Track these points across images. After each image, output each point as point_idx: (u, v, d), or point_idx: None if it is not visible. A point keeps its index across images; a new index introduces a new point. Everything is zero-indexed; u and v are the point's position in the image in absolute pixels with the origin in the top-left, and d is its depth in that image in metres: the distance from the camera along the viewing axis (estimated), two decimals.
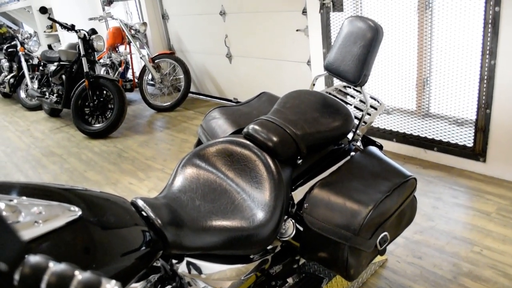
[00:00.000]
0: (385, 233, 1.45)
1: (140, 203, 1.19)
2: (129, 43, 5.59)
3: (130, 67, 5.82)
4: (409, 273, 2.15)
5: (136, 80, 5.70)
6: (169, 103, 5.45)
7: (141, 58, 5.34)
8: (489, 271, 2.10)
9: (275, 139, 1.40)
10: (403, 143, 3.37)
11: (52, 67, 5.30)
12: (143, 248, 1.08)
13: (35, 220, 0.86)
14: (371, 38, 1.61)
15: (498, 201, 2.65)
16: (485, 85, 2.76)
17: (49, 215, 0.90)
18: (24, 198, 0.92)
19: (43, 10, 4.70)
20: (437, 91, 3.14)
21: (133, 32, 5.55)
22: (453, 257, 2.22)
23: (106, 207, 1.09)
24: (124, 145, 4.41)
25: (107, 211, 1.08)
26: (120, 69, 5.67)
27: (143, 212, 1.17)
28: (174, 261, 1.23)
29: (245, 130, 1.48)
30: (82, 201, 1.03)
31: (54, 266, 0.62)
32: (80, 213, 0.96)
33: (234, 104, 2.00)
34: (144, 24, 5.61)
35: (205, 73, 5.71)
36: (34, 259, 0.62)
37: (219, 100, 5.61)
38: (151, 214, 1.16)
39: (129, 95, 6.19)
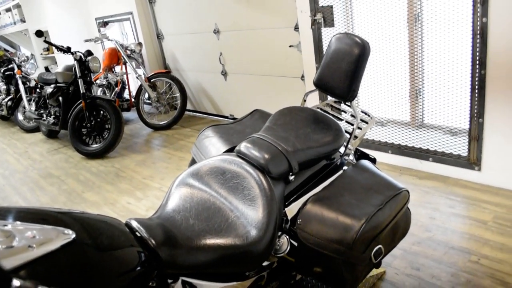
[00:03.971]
0: (379, 246, 1.46)
1: (134, 224, 1.20)
2: (125, 63, 5.65)
3: (127, 87, 5.86)
4: (408, 285, 2.15)
5: (132, 100, 5.74)
6: (166, 121, 5.48)
7: (137, 77, 5.39)
8: (487, 280, 2.10)
9: (266, 156, 1.42)
10: (399, 155, 3.39)
11: (49, 89, 5.34)
12: (138, 268, 1.09)
13: (28, 244, 0.87)
14: (358, 54, 1.64)
15: (495, 209, 2.66)
16: (476, 95, 2.79)
17: (43, 239, 0.91)
18: (18, 222, 0.93)
19: (39, 33, 4.74)
20: (430, 102, 3.17)
21: (128, 52, 5.60)
22: (451, 267, 2.22)
23: (100, 229, 1.10)
24: (121, 164, 4.43)
25: (101, 233, 1.09)
26: (117, 89, 5.71)
27: (137, 233, 1.18)
28: (169, 281, 1.24)
29: (237, 148, 1.50)
30: (76, 224, 1.04)
31: None
32: (74, 236, 0.97)
33: (227, 122, 2.02)
34: (140, 44, 5.67)
35: (201, 91, 5.75)
36: (22, 284, 0.64)
37: (215, 117, 5.64)
38: (145, 235, 1.17)
39: (126, 115, 6.23)
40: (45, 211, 1.05)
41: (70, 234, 0.97)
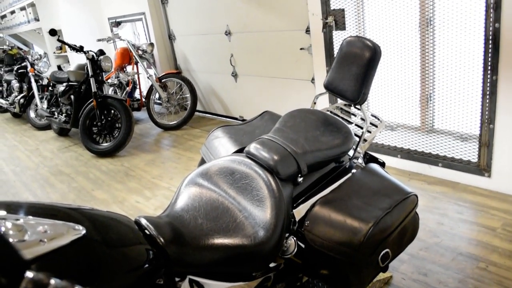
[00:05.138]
0: (387, 250, 1.46)
1: (143, 221, 1.22)
2: (136, 63, 5.69)
3: (138, 86, 5.90)
4: None
5: (143, 100, 5.78)
6: (175, 121, 5.51)
7: (148, 77, 5.42)
8: (495, 287, 2.09)
9: (276, 157, 1.43)
10: (408, 159, 3.38)
11: (61, 88, 5.39)
12: (146, 265, 1.10)
13: (40, 238, 0.88)
14: (369, 58, 1.64)
15: (504, 216, 2.64)
16: (487, 101, 2.78)
17: (54, 234, 0.92)
18: (30, 217, 0.94)
19: (53, 32, 4.80)
20: (440, 107, 3.16)
21: (140, 52, 5.64)
22: (459, 274, 2.21)
23: (110, 226, 1.12)
24: (131, 163, 4.46)
25: (111, 229, 1.11)
26: (128, 88, 5.75)
27: (146, 231, 1.19)
28: (176, 279, 1.25)
29: (246, 149, 1.51)
30: (87, 220, 1.06)
31: (55, 283, 0.65)
32: (84, 231, 0.98)
33: (237, 123, 2.03)
34: (151, 44, 5.71)
35: (211, 92, 5.77)
36: (35, 276, 0.65)
37: (225, 118, 5.66)
38: (154, 233, 1.18)
39: (136, 114, 6.27)
40: (56, 207, 1.06)
41: (80, 230, 0.98)
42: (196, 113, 5.79)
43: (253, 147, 1.49)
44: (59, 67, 8.08)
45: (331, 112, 2.07)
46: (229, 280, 1.35)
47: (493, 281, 2.13)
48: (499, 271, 2.20)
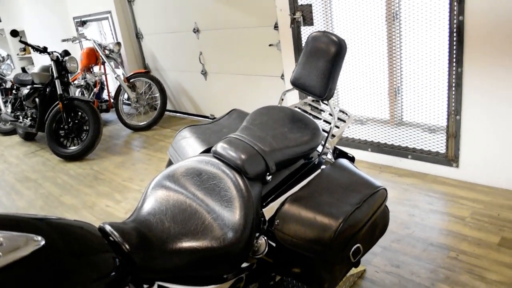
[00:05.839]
0: (358, 245, 1.46)
1: (108, 228, 1.18)
2: (103, 63, 5.56)
3: (105, 87, 5.78)
4: (388, 282, 2.16)
5: (111, 100, 5.66)
6: (145, 122, 5.42)
7: (116, 78, 5.32)
8: (466, 275, 2.12)
9: (243, 156, 1.40)
10: (378, 153, 3.41)
11: (25, 91, 5.24)
12: (112, 274, 1.07)
13: None
14: (335, 53, 1.63)
15: (472, 205, 2.69)
16: (453, 92, 2.82)
17: (11, 246, 0.88)
18: None
19: (14, 33, 4.64)
20: (409, 100, 3.19)
21: (107, 52, 5.53)
22: (430, 264, 2.24)
23: (72, 235, 1.08)
24: (100, 166, 4.36)
25: (73, 238, 1.07)
26: (95, 89, 5.63)
27: (110, 238, 1.16)
28: (145, 286, 1.22)
29: (213, 148, 1.48)
30: (47, 230, 1.01)
31: None
32: (43, 242, 0.94)
33: (205, 123, 2.00)
34: (118, 44, 5.59)
35: (181, 91, 5.71)
36: None
37: (196, 117, 5.60)
38: (119, 239, 1.15)
39: (105, 116, 6.15)
40: (15, 217, 1.01)
41: (39, 241, 0.94)
42: (166, 112, 5.72)
43: (220, 147, 1.46)
44: (23, 69, 7.85)
45: (299, 108, 2.06)
46: (200, 284, 1.32)
47: (463, 269, 2.16)
48: (469, 259, 2.23)
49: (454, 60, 2.75)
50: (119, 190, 3.71)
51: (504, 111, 2.65)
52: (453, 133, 2.91)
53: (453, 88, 2.81)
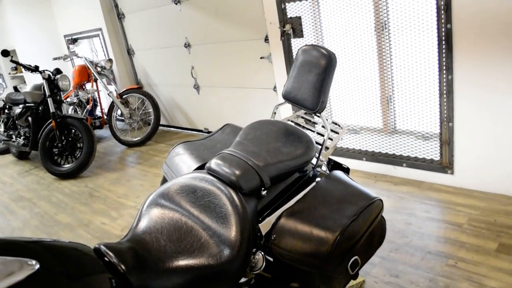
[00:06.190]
0: (356, 257, 1.45)
1: (103, 249, 1.16)
2: (95, 80, 5.57)
3: (98, 104, 5.78)
4: None
5: (105, 117, 5.66)
6: (139, 137, 5.41)
7: (108, 94, 5.31)
8: (465, 283, 2.12)
9: (237, 172, 1.40)
10: (373, 162, 3.42)
11: (17, 110, 5.22)
12: None
13: None
14: (325, 66, 1.64)
15: (469, 212, 2.70)
16: (445, 100, 2.84)
17: (5, 271, 0.87)
18: None
19: (5, 53, 4.64)
20: (401, 108, 3.21)
21: (99, 69, 5.53)
22: (429, 272, 2.23)
23: (66, 257, 1.06)
24: (95, 184, 4.34)
25: (68, 260, 1.05)
26: (88, 106, 5.62)
27: (106, 258, 1.14)
28: None
29: (207, 165, 1.48)
30: (41, 253, 1.00)
31: None
32: (37, 266, 0.93)
33: (198, 139, 1.99)
34: (110, 60, 5.60)
35: (174, 105, 5.71)
36: None
37: (190, 131, 5.60)
38: (114, 260, 1.13)
39: (98, 132, 6.13)
40: (8, 241, 1.00)
41: (34, 265, 0.93)
42: (160, 127, 5.72)
43: (214, 163, 1.45)
44: (15, 88, 7.83)
45: (292, 121, 2.06)
46: None
47: (462, 277, 2.16)
48: (468, 266, 2.23)
49: (444, 67, 2.77)
50: (114, 207, 3.69)
51: (496, 117, 2.67)
52: (446, 140, 2.92)
53: (445, 95, 2.83)
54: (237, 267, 1.28)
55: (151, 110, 5.35)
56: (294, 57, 3.65)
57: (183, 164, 1.75)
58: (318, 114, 1.76)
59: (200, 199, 1.38)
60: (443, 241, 2.47)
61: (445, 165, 3.00)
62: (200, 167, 1.69)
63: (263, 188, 1.45)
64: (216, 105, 5.05)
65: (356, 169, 3.51)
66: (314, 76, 1.66)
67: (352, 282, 2.13)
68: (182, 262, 1.23)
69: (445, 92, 2.82)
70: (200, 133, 5.41)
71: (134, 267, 1.15)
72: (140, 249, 1.24)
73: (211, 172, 1.45)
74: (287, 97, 1.83)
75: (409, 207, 2.87)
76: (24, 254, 0.95)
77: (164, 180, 1.89)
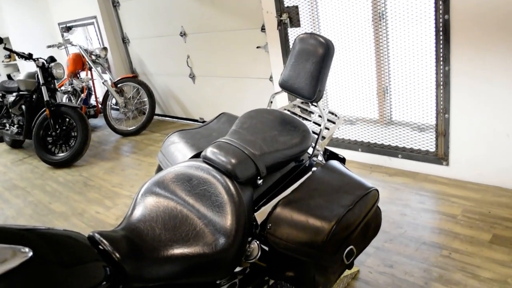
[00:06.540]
0: (351, 247, 1.44)
1: (97, 237, 1.15)
2: (90, 69, 5.51)
3: (93, 93, 5.73)
4: (381, 283, 2.15)
5: (99, 106, 5.62)
6: (134, 127, 5.38)
7: (103, 83, 5.27)
8: (458, 274, 2.13)
9: (233, 161, 1.38)
10: (368, 152, 3.42)
11: (11, 98, 5.17)
12: (103, 283, 1.04)
13: None
14: (322, 54, 1.62)
15: (463, 203, 2.70)
16: (441, 91, 2.83)
17: None
18: None
19: None
20: (397, 99, 3.20)
21: (93, 57, 5.48)
22: (423, 263, 2.24)
23: (60, 245, 1.05)
24: (89, 173, 4.32)
25: (62, 248, 1.04)
26: (83, 95, 5.57)
27: (100, 246, 1.13)
28: None
29: (203, 153, 1.46)
30: (35, 241, 0.99)
31: None
32: (31, 253, 0.92)
33: (193, 127, 1.98)
34: (105, 49, 5.55)
35: (170, 95, 5.68)
36: None
37: (185, 121, 5.57)
38: (109, 248, 1.12)
39: (93, 121, 6.09)
40: (1, 229, 0.99)
41: (27, 252, 0.92)
42: (155, 117, 5.69)
43: (209, 152, 1.44)
44: (8, 76, 7.75)
45: (288, 110, 2.05)
46: None
47: (456, 268, 2.17)
48: (462, 257, 2.24)
49: (441, 59, 2.76)
50: (109, 196, 3.67)
51: (492, 109, 2.67)
52: (442, 132, 2.92)
53: (441, 87, 2.82)
54: (232, 256, 1.27)
55: (146, 99, 5.31)
56: (291, 46, 3.63)
57: (178, 153, 1.74)
58: (315, 104, 1.75)
59: (195, 188, 1.37)
60: (438, 232, 2.47)
61: (440, 156, 3.00)
62: (196, 156, 1.68)
63: (259, 177, 1.44)
64: (211, 94, 5.03)
65: (352, 159, 3.51)
66: (312, 65, 1.64)
67: (346, 272, 2.14)
68: (177, 251, 1.22)
69: (441, 83, 2.81)
70: (196, 122, 5.39)
71: (128, 256, 1.14)
72: (134, 237, 1.23)
73: (207, 161, 1.44)
74: (284, 86, 1.81)
75: (404, 198, 2.87)
76: (17, 241, 0.94)
77: (159, 169, 1.88)
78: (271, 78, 4.12)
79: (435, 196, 2.84)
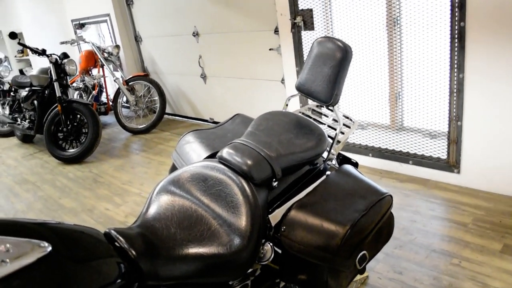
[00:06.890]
0: (364, 252, 1.44)
1: (113, 233, 1.16)
2: (102, 66, 5.55)
3: (104, 90, 5.77)
4: None
5: (110, 103, 5.65)
6: (144, 125, 5.41)
7: (114, 81, 5.29)
8: (468, 283, 2.12)
9: (249, 162, 1.39)
10: (379, 158, 3.41)
11: (23, 93, 5.21)
12: (118, 281, 1.05)
13: (2, 259, 0.82)
14: (340, 58, 1.62)
15: (474, 211, 2.69)
16: (455, 98, 2.82)
17: (17, 253, 0.86)
18: None
19: (13, 35, 4.63)
20: (409, 105, 3.19)
21: (106, 55, 5.52)
22: (433, 271, 2.23)
23: (77, 240, 1.06)
24: (99, 169, 4.34)
25: (79, 244, 1.05)
26: (94, 92, 5.61)
27: (116, 243, 1.14)
28: None
29: (219, 154, 1.47)
30: (52, 236, 0.99)
31: None
32: (50, 248, 0.92)
33: (208, 127, 1.98)
34: (117, 46, 5.58)
35: (180, 94, 5.69)
36: None
37: (195, 121, 5.59)
38: (125, 245, 1.13)
39: (103, 118, 6.12)
40: (20, 222, 1.00)
41: (46, 247, 0.92)
42: (166, 116, 5.71)
43: (225, 152, 1.45)
44: (21, 71, 7.81)
45: (303, 113, 2.05)
46: None
47: (466, 276, 2.16)
48: (472, 266, 2.23)
49: (456, 66, 2.75)
50: (118, 194, 3.69)
51: (506, 119, 2.65)
52: (454, 139, 2.91)
53: (455, 94, 2.81)
54: (246, 257, 1.28)
55: (156, 98, 5.34)
56: (304, 49, 3.63)
57: (193, 153, 1.74)
58: (331, 107, 1.75)
59: (211, 188, 1.38)
60: (448, 239, 2.46)
61: (452, 164, 2.99)
62: (211, 156, 1.68)
63: (274, 179, 1.44)
64: (222, 95, 5.04)
65: (362, 165, 3.50)
66: (329, 69, 1.64)
67: (356, 277, 2.14)
68: (192, 250, 1.22)
69: (455, 90, 2.80)
70: (206, 123, 5.40)
71: (144, 253, 1.15)
72: (150, 235, 1.23)
73: (223, 161, 1.44)
74: (301, 89, 1.82)
75: (414, 205, 2.86)
76: (36, 236, 0.95)
77: (174, 168, 1.88)
78: (283, 81, 4.12)
79: (446, 203, 2.83)
